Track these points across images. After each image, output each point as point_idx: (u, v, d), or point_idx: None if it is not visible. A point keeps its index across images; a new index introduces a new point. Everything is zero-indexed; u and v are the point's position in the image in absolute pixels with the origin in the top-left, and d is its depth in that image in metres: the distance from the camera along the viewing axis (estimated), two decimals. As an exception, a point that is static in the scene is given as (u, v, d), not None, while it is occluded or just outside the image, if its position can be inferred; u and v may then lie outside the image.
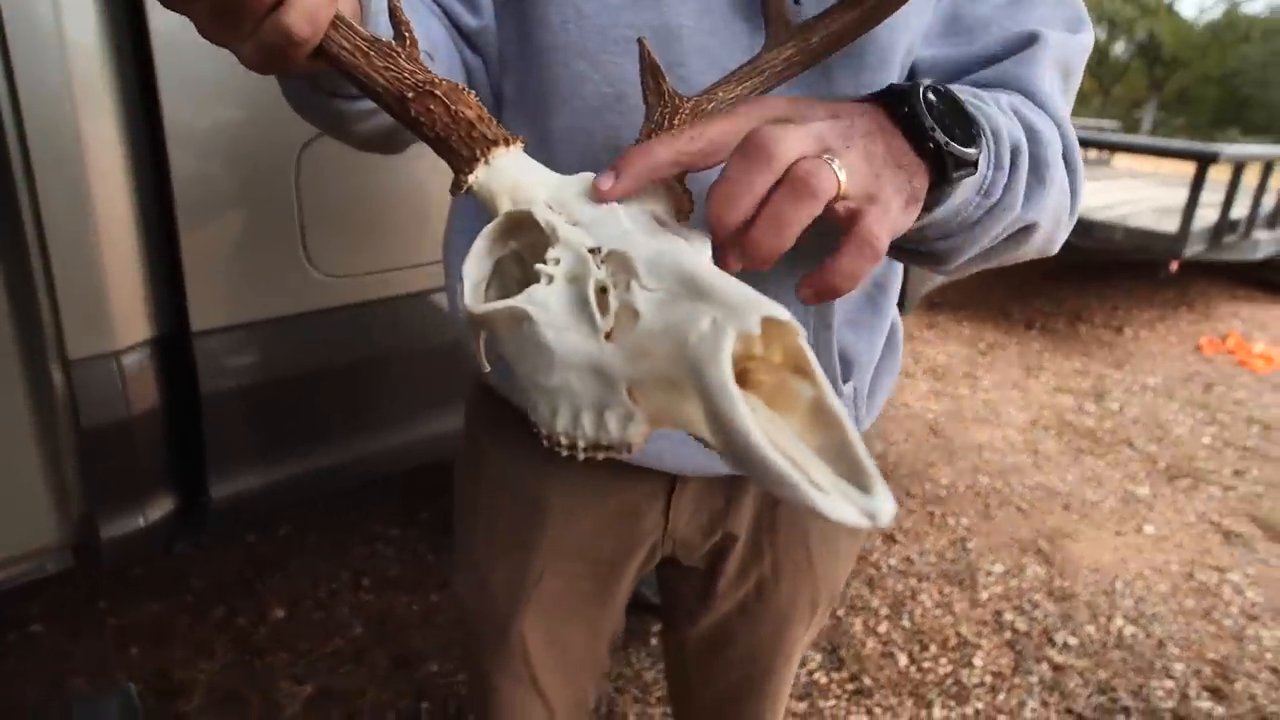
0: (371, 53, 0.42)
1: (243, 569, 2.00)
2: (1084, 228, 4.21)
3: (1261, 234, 4.57)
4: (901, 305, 2.05)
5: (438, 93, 0.42)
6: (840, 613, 1.97)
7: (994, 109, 0.51)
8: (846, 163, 0.40)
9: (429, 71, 0.43)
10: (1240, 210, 4.29)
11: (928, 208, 0.46)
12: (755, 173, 0.39)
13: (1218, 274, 5.82)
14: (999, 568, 2.21)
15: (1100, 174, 6.29)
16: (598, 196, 0.42)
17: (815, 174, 0.38)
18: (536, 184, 0.42)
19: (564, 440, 0.39)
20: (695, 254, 0.38)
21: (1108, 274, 5.57)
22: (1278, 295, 5.55)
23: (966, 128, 0.45)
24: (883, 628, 1.93)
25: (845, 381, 0.68)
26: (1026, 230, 0.55)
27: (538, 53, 0.60)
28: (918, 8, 0.57)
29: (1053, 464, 2.87)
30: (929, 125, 0.43)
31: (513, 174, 0.42)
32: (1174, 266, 4.07)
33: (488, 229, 0.42)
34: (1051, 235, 0.58)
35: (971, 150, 0.44)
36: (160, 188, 0.88)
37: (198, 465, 1.01)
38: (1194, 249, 3.98)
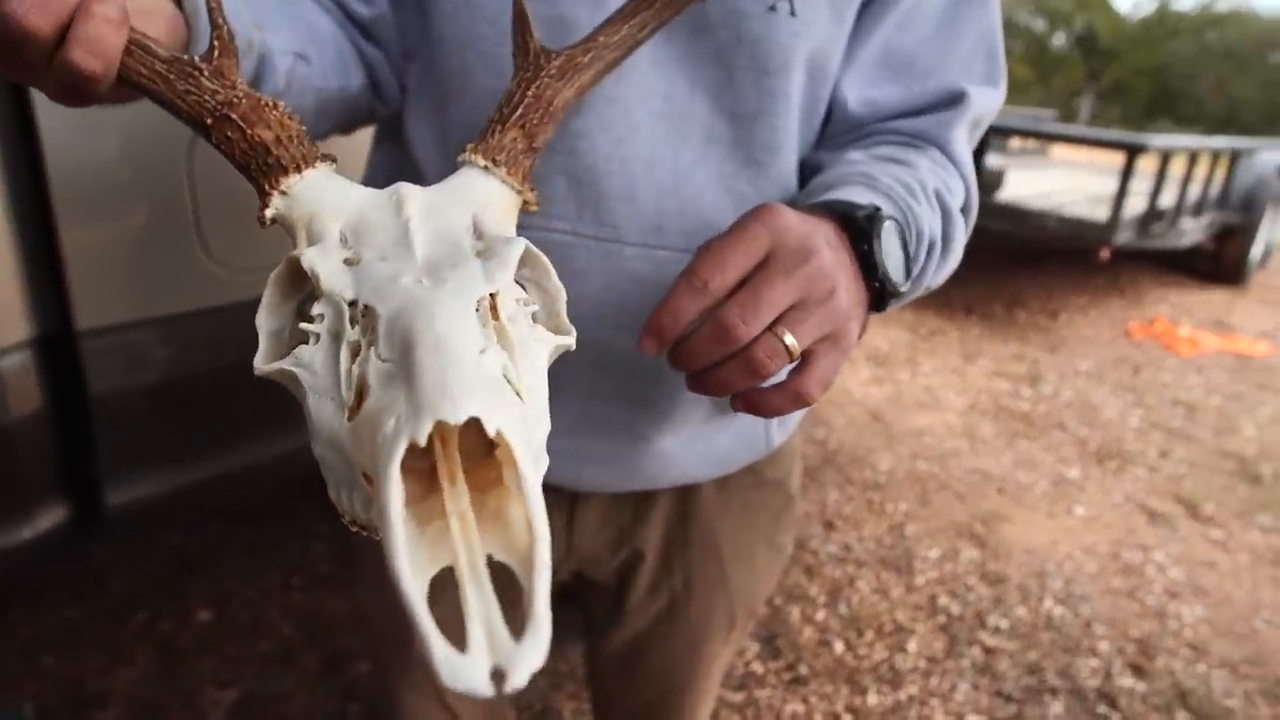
0: (171, 75, 0.38)
1: (166, 570, 1.92)
2: (1019, 216, 4.30)
3: (1188, 222, 4.73)
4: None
5: (234, 116, 0.38)
6: (778, 601, 1.97)
7: (922, 205, 0.54)
8: (829, 309, 0.44)
9: (234, 88, 0.39)
10: (1168, 199, 4.43)
11: None
12: (718, 349, 0.43)
13: (1147, 261, 6.02)
14: (935, 552, 2.25)
15: (1037, 163, 6.44)
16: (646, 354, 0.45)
17: (769, 362, 0.43)
18: (333, 212, 0.38)
19: (338, 508, 0.37)
20: (452, 300, 0.33)
21: (1044, 261, 5.71)
22: (1203, 281, 5.77)
23: (904, 257, 0.50)
24: (820, 615, 1.95)
25: None
26: (926, 289, 0.60)
27: (432, 43, 0.57)
28: (819, 15, 0.56)
29: (989, 448, 2.93)
30: (881, 272, 0.48)
31: (311, 201, 0.38)
32: (1105, 254, 4.19)
33: (272, 276, 0.38)
34: (944, 280, 0.63)
35: (904, 286, 0.50)
36: (34, 177, 0.82)
37: (92, 470, 0.95)
38: (1124, 236, 4.10)
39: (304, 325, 0.35)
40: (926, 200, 0.55)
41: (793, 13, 0.54)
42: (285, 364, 0.35)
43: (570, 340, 0.39)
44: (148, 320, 0.93)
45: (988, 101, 0.62)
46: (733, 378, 0.44)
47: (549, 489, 0.68)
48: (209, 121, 0.38)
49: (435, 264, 0.35)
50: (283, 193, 0.38)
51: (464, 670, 0.25)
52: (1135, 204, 4.22)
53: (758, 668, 1.76)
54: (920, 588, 2.09)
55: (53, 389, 0.90)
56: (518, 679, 0.25)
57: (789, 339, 0.43)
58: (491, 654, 0.26)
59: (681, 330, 0.44)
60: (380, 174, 0.68)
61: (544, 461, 0.36)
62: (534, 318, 0.38)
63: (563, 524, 0.71)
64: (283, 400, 1.15)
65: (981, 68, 0.61)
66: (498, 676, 0.25)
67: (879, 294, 0.49)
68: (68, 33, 0.35)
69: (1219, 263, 5.66)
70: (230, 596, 1.86)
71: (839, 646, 1.85)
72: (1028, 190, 4.80)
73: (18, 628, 1.73)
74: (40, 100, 0.80)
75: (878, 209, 0.49)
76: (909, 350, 3.89)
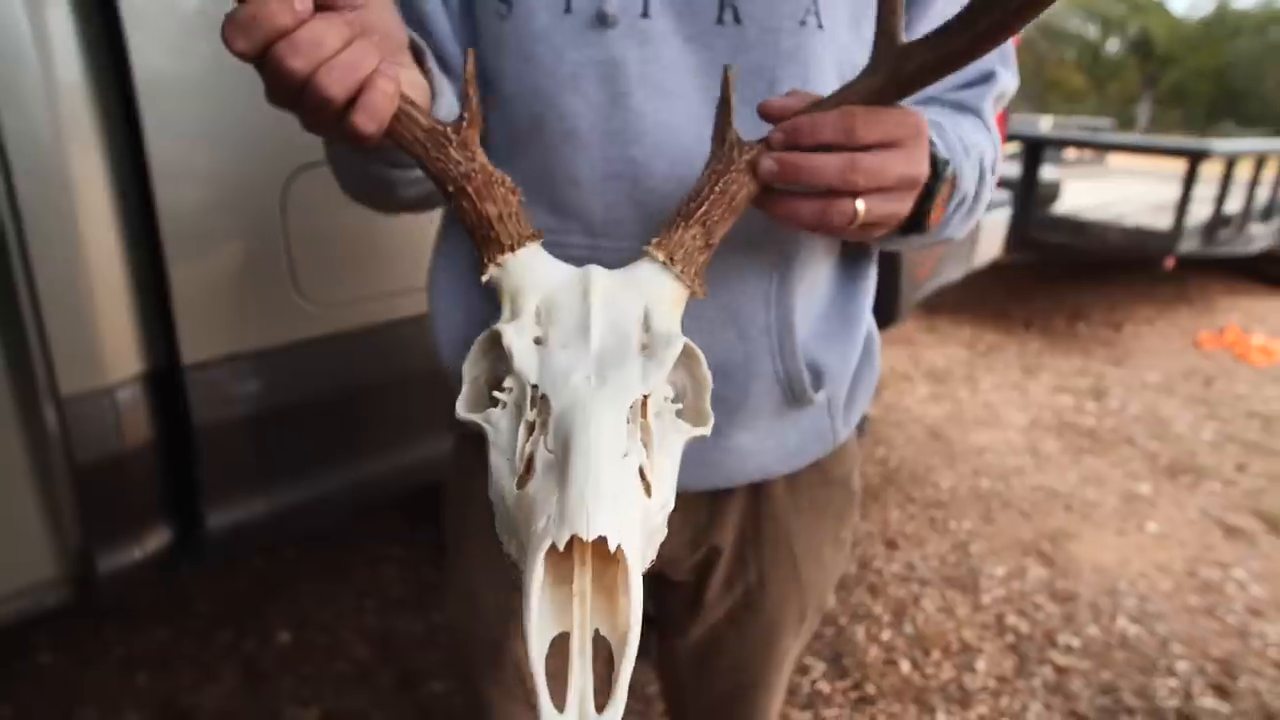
0: (428, 143, 0.46)
1: (249, 592, 2.01)
2: (1077, 228, 4.22)
3: (1257, 227, 4.58)
4: (894, 316, 2.05)
5: (469, 189, 0.46)
6: (843, 621, 1.97)
7: (965, 162, 0.60)
8: (895, 209, 0.51)
9: (473, 160, 0.46)
10: (1235, 204, 4.30)
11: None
12: (828, 178, 0.47)
13: (1215, 269, 5.83)
14: (1001, 570, 2.21)
15: (1094, 173, 6.31)
16: (764, 112, 0.49)
17: (839, 217, 0.48)
18: (533, 288, 0.45)
19: (499, 538, 0.45)
20: (609, 406, 0.40)
21: (1106, 272, 5.58)
22: (1275, 287, 5.55)
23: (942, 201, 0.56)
24: (885, 635, 1.93)
25: (817, 390, 0.70)
26: (948, 238, 0.67)
27: (504, 101, 0.63)
28: (840, 24, 0.62)
29: (1053, 464, 2.87)
30: (927, 209, 0.54)
31: (517, 277, 0.46)
32: (1170, 263, 4.08)
33: (480, 339, 0.46)
34: (965, 233, 0.69)
35: (933, 227, 0.57)
36: (148, 223, 0.90)
37: (194, 496, 1.02)
38: (1189, 245, 3.99)
39: (496, 394, 0.44)
40: (968, 158, 0.61)
41: (820, 26, 0.59)
42: (479, 419, 0.45)
43: (706, 430, 0.47)
44: (245, 354, 1.00)
45: (1007, 81, 0.69)
46: (804, 213, 0.49)
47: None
48: (450, 189, 0.46)
49: (604, 357, 0.43)
50: (498, 265, 0.46)
51: None
52: (1200, 211, 4.10)
53: (824, 687, 1.76)
54: (987, 606, 2.06)
55: (161, 420, 0.98)
56: None
57: (861, 207, 0.48)
58: (580, 716, 0.36)
59: (799, 140, 0.48)
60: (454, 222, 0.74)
61: (662, 534, 0.44)
62: (680, 401, 0.46)
63: None
64: (362, 430, 1.21)
65: (995, 53, 0.68)
66: None
67: (912, 220, 0.55)
68: (355, 99, 0.44)
69: (1293, 269, 5.44)
70: (307, 618, 1.94)
71: (905, 666, 1.83)
72: (1086, 201, 4.71)
73: (114, 647, 1.83)
74: (154, 145, 0.88)
75: (948, 160, 0.55)
76: (967, 367, 3.84)
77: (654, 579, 0.83)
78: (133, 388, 0.94)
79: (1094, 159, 6.63)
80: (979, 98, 0.67)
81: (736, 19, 0.59)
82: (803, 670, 1.80)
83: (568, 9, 0.59)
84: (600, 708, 0.36)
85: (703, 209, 0.48)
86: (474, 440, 0.80)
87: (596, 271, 0.46)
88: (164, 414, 0.98)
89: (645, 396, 0.43)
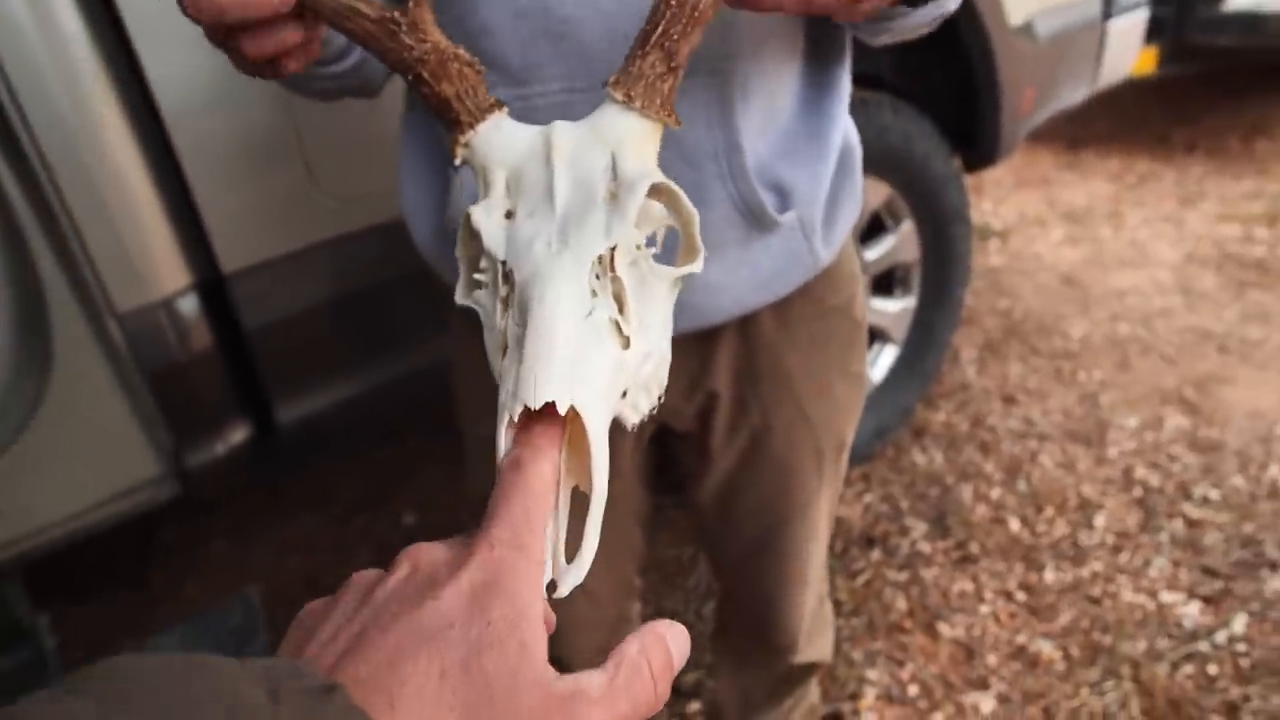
0: (380, 34, 0.44)
1: (381, 480, 2.20)
2: (1252, 23, 3.59)
3: None
4: (994, 153, 1.83)
5: (424, 73, 0.43)
6: (949, 480, 1.90)
7: None
8: None
9: (425, 41, 0.43)
10: None
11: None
12: None
13: None
14: (1133, 421, 2.04)
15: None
16: None
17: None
18: (499, 162, 0.43)
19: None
20: (568, 271, 0.39)
21: (1298, 74, 4.76)
22: None
23: None
24: (995, 493, 1.85)
25: (783, 212, 0.66)
26: (935, 18, 0.60)
27: None
28: None
29: (1209, 303, 2.57)
30: None
31: (483, 154, 0.44)
32: (1374, 52, 3.41)
33: (462, 224, 0.45)
34: (936, 22, 0.61)
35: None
36: (163, 141, 0.94)
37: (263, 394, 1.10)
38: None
39: (476, 276, 0.43)
40: None
41: None
42: (470, 301, 0.45)
43: (697, 265, 0.44)
44: (279, 257, 1.05)
45: None
46: None
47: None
48: (409, 77, 0.44)
49: (567, 218, 0.41)
50: (464, 145, 0.44)
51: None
52: None
53: (925, 547, 1.72)
54: (1113, 460, 1.92)
55: (219, 326, 1.05)
56: (563, 591, 0.36)
57: None
58: (553, 571, 0.36)
59: None
60: None
61: (658, 384, 0.43)
62: (653, 246, 0.44)
63: None
64: (411, 319, 1.23)
65: None
66: (551, 586, 0.36)
67: None
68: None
69: None
70: (431, 501, 2.10)
71: (1015, 524, 1.75)
72: (1268, -10, 3.98)
73: (269, 532, 2.07)
74: (149, 67, 0.91)
75: None
76: (1112, 203, 3.45)
77: (661, 432, 0.83)
78: (185, 299, 1.01)
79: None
80: None
81: None
82: (903, 531, 1.76)
83: None
84: (569, 558, 0.37)
85: (659, 30, 0.42)
86: (464, 319, 0.81)
87: (559, 129, 0.43)
88: (222, 320, 1.05)
89: (613, 249, 0.40)
